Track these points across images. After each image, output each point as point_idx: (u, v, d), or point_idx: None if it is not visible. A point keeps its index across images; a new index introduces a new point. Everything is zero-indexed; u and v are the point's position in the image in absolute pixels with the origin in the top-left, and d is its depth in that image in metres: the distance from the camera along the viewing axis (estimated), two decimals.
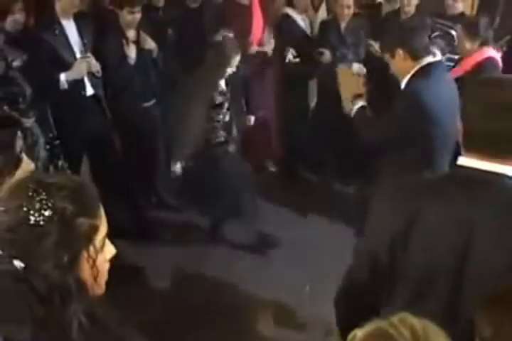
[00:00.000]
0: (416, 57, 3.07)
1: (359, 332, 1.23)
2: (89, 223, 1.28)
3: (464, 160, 1.69)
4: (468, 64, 4.21)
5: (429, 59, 3.10)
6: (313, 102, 5.81)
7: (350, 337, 1.24)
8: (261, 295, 3.87)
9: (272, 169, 5.81)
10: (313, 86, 5.76)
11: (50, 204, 1.22)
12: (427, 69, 3.06)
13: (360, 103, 3.25)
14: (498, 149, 1.63)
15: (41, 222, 1.21)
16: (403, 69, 3.10)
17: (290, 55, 5.24)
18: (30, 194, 1.22)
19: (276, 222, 4.64)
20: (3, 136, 1.80)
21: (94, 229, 1.29)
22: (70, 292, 1.25)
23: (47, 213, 1.22)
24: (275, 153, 5.80)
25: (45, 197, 1.22)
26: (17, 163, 2.00)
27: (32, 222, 1.22)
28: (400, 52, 3.06)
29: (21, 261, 1.22)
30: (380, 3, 5.60)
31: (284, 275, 4.00)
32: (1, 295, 1.21)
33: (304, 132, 5.73)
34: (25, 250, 1.22)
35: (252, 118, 5.12)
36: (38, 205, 1.22)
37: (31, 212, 1.21)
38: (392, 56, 3.10)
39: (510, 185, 1.64)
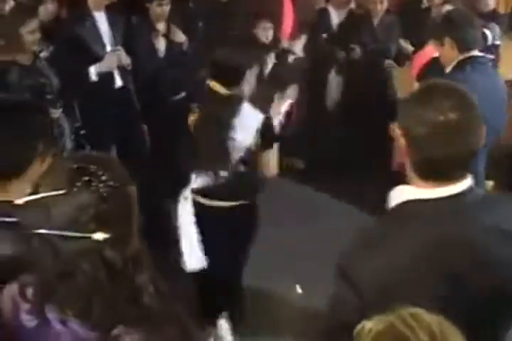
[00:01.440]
0: (462, 48, 3.02)
1: (368, 324, 1.13)
2: (134, 190, 1.35)
3: (417, 192, 1.48)
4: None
5: (474, 53, 3.05)
6: (335, 100, 5.69)
7: (358, 328, 1.14)
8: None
9: (300, 167, 5.69)
10: (333, 83, 5.61)
11: (111, 175, 1.28)
12: (468, 62, 3.02)
13: None
14: (453, 173, 1.47)
15: (105, 194, 1.26)
16: (449, 59, 3.08)
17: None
18: (92, 170, 1.26)
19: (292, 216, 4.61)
20: (42, 120, 1.78)
21: (135, 196, 1.36)
22: (142, 259, 1.30)
23: (112, 183, 1.27)
24: (302, 152, 5.72)
25: (104, 170, 1.27)
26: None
27: (104, 194, 1.25)
28: (448, 40, 3.02)
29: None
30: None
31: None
32: (71, 277, 1.24)
33: (327, 131, 5.68)
34: (102, 223, 1.25)
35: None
36: (103, 177, 1.26)
37: (100, 185, 1.25)
38: (441, 44, 3.07)
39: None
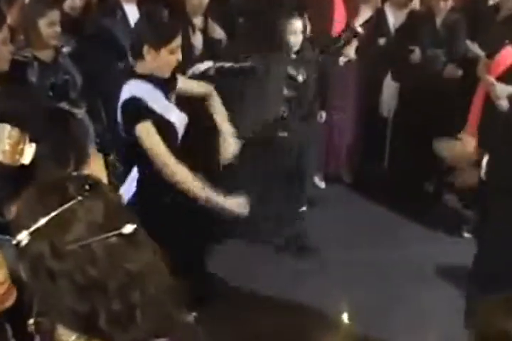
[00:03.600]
0: None
1: None
2: None
3: None
4: None
5: None
6: (391, 107, 5.27)
7: None
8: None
9: (347, 180, 5.37)
10: (389, 89, 5.19)
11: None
12: None
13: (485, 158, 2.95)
14: None
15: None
16: None
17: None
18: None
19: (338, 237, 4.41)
20: (75, 129, 1.82)
21: None
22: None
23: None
24: (351, 162, 5.39)
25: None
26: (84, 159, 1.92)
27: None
28: None
29: None
30: None
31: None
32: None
33: (381, 140, 5.35)
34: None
35: (324, 115, 4.69)
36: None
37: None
38: None
39: None
